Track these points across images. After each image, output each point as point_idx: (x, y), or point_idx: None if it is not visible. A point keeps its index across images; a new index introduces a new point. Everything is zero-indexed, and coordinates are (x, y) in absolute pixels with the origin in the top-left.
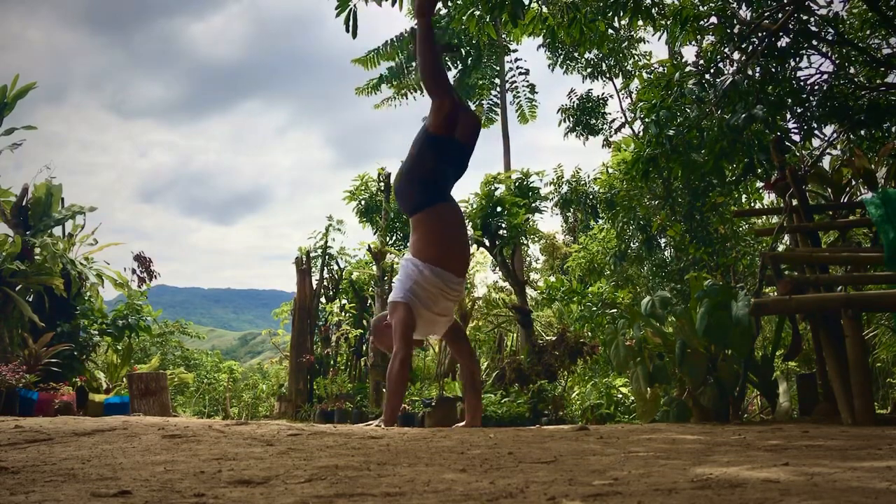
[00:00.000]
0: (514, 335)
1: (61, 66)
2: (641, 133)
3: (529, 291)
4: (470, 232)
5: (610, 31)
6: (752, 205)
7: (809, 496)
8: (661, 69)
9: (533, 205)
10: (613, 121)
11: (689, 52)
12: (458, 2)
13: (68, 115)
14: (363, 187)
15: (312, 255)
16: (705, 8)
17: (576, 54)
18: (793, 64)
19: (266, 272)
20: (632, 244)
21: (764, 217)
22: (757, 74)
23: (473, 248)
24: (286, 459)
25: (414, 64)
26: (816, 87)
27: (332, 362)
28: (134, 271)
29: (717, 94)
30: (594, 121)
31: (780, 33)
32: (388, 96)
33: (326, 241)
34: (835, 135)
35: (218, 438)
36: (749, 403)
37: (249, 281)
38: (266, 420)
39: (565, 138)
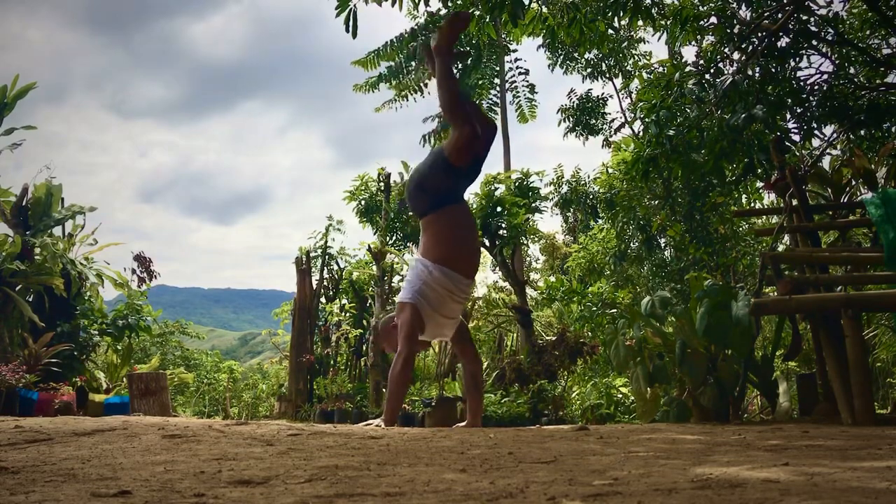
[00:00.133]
0: (514, 335)
1: (61, 66)
2: (641, 133)
3: (529, 291)
4: None
5: (610, 31)
6: (752, 205)
7: (809, 496)
8: (661, 69)
9: (533, 205)
10: (613, 121)
11: (689, 52)
12: (458, 2)
13: (68, 115)
14: (363, 187)
15: (312, 255)
16: (705, 8)
17: (576, 54)
18: (793, 64)
19: (266, 272)
20: (632, 244)
21: (764, 217)
22: (757, 74)
23: None
24: (286, 459)
25: (413, 63)
26: (816, 87)
27: (332, 362)
28: (134, 271)
29: (717, 94)
30: (594, 121)
31: (780, 33)
32: (389, 99)
33: (326, 241)
34: (835, 135)
35: (218, 438)
36: (749, 403)
37: (249, 281)
38: (266, 420)
39: (565, 138)
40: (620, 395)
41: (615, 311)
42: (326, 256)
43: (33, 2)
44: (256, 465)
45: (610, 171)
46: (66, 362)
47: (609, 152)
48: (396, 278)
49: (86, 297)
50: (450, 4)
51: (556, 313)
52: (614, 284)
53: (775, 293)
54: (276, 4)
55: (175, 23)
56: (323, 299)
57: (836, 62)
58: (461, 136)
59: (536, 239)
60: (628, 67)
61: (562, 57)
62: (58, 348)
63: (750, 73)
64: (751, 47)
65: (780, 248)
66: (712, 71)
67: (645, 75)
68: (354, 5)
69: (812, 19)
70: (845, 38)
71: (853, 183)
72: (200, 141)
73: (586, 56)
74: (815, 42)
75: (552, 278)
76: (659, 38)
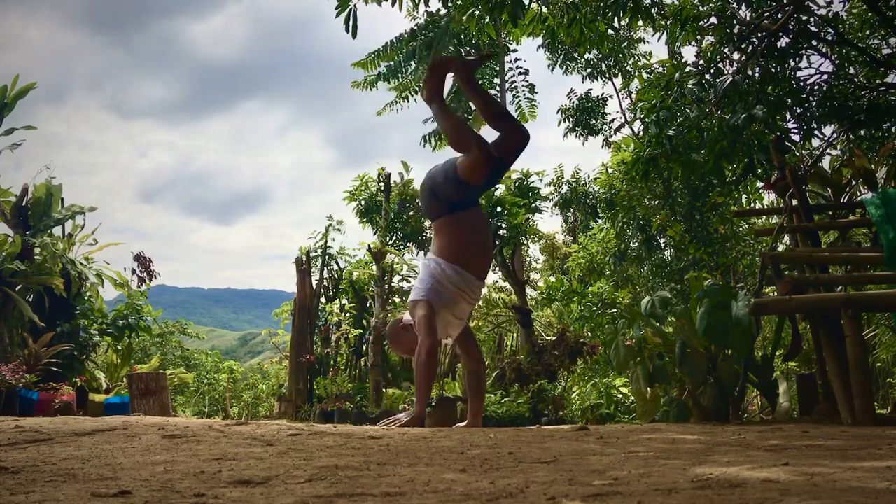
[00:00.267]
0: (514, 335)
1: (61, 67)
2: (641, 133)
3: (529, 291)
4: None
5: (610, 31)
6: (752, 205)
7: (809, 496)
8: (661, 69)
9: (533, 205)
10: (613, 121)
11: (689, 53)
12: (458, 2)
13: (68, 115)
14: (363, 187)
15: (312, 255)
16: (705, 8)
17: (575, 54)
18: (793, 64)
19: (266, 272)
20: (632, 244)
21: (764, 217)
22: (757, 74)
23: None
24: (286, 459)
25: (413, 62)
26: (816, 87)
27: (332, 362)
28: (134, 271)
29: (717, 94)
30: (594, 121)
31: (780, 33)
32: (390, 101)
33: (326, 242)
34: (835, 135)
35: (218, 438)
36: (749, 403)
37: (249, 281)
38: (266, 420)
39: (565, 138)
40: (620, 395)
41: (615, 311)
42: (326, 256)
43: (33, 2)
44: (256, 465)
45: (610, 171)
46: (66, 362)
47: (609, 152)
48: (396, 278)
49: (86, 297)
50: (450, 4)
51: (556, 313)
52: (614, 284)
53: (775, 293)
54: (276, 4)
55: (175, 23)
56: (323, 299)
57: (836, 62)
58: (474, 160)
59: (536, 239)
60: (628, 67)
61: (562, 57)
62: (58, 348)
63: (750, 73)
64: (751, 47)
65: (780, 248)
66: (712, 71)
67: (645, 75)
68: (354, 5)
69: (812, 19)
70: (845, 38)
71: (853, 183)
72: (200, 141)
73: (586, 56)
74: (815, 42)
75: (552, 278)
76: (659, 39)
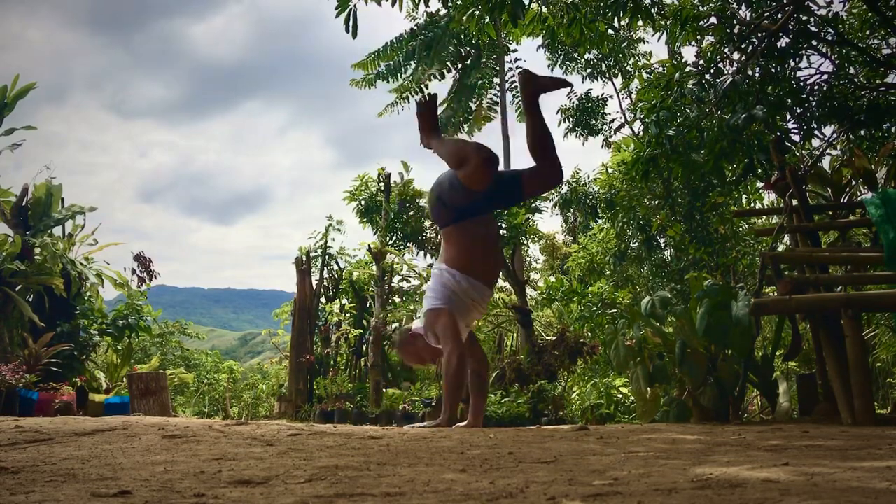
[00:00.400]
0: (514, 335)
1: (61, 67)
2: (641, 133)
3: (529, 291)
4: None
5: (610, 31)
6: (752, 205)
7: (809, 496)
8: (661, 69)
9: (533, 205)
10: (613, 121)
11: (689, 53)
12: (458, 2)
13: (68, 115)
14: (363, 187)
15: (312, 255)
16: (705, 8)
17: (575, 55)
18: (793, 64)
19: (266, 272)
20: (632, 244)
21: (764, 217)
22: (757, 74)
23: None
24: (286, 459)
25: (412, 62)
26: (816, 88)
27: (332, 362)
28: (134, 271)
29: (717, 95)
30: (594, 121)
31: (780, 33)
32: (390, 102)
33: (326, 242)
34: (835, 135)
35: (218, 438)
36: (749, 403)
37: (249, 281)
38: (266, 420)
39: (565, 138)
40: (620, 395)
41: (615, 311)
42: (326, 256)
43: (33, 2)
44: (256, 465)
45: (610, 171)
46: (66, 362)
47: (609, 152)
48: (396, 278)
49: (86, 297)
50: (449, 4)
51: (556, 313)
52: (614, 284)
53: (775, 293)
54: (276, 4)
55: (175, 23)
56: (323, 299)
57: (836, 62)
58: (474, 165)
59: (536, 239)
60: (628, 67)
61: (561, 57)
62: (58, 348)
63: (750, 73)
64: (751, 47)
65: (780, 248)
66: (712, 71)
67: (645, 75)
68: (354, 5)
69: (812, 19)
70: (845, 39)
71: (853, 183)
72: (200, 141)
73: (586, 56)
74: (815, 42)
75: (552, 278)
76: (659, 39)
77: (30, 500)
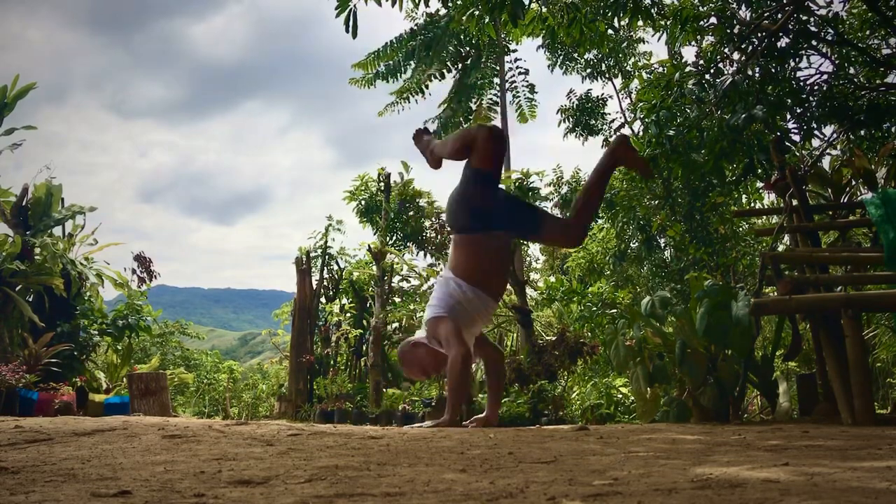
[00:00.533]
0: (514, 335)
1: (61, 66)
2: (641, 133)
3: (529, 291)
4: None
5: (610, 31)
6: (752, 205)
7: (809, 496)
8: (661, 69)
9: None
10: (613, 121)
11: (689, 53)
12: (458, 2)
13: (68, 115)
14: (363, 187)
15: (312, 255)
16: (705, 8)
17: (575, 55)
18: (792, 64)
19: (266, 272)
20: (632, 244)
21: (764, 217)
22: (757, 74)
23: None
24: (286, 459)
25: (412, 62)
26: (816, 88)
27: (332, 362)
28: (134, 271)
29: (717, 95)
30: (594, 121)
31: (780, 33)
32: (391, 102)
33: (326, 241)
34: (835, 135)
35: (218, 438)
36: (749, 403)
37: (249, 281)
38: (266, 420)
39: (565, 138)
40: (620, 395)
41: (615, 311)
42: (326, 256)
43: (33, 2)
44: (256, 465)
45: None
46: (66, 362)
47: None
48: (396, 278)
49: (86, 297)
50: (449, 5)
51: (556, 313)
52: (614, 284)
53: (775, 293)
54: (276, 4)
55: (175, 23)
56: (323, 299)
57: (836, 62)
58: (481, 141)
59: None
60: (628, 67)
61: (561, 57)
62: (58, 348)
63: (750, 73)
64: (751, 47)
65: (780, 248)
66: (712, 71)
67: (645, 75)
68: (354, 5)
69: (812, 19)
70: (845, 39)
71: (853, 183)
72: (200, 141)
73: (586, 56)
74: (814, 42)
75: (552, 278)
76: (659, 39)
77: (30, 500)
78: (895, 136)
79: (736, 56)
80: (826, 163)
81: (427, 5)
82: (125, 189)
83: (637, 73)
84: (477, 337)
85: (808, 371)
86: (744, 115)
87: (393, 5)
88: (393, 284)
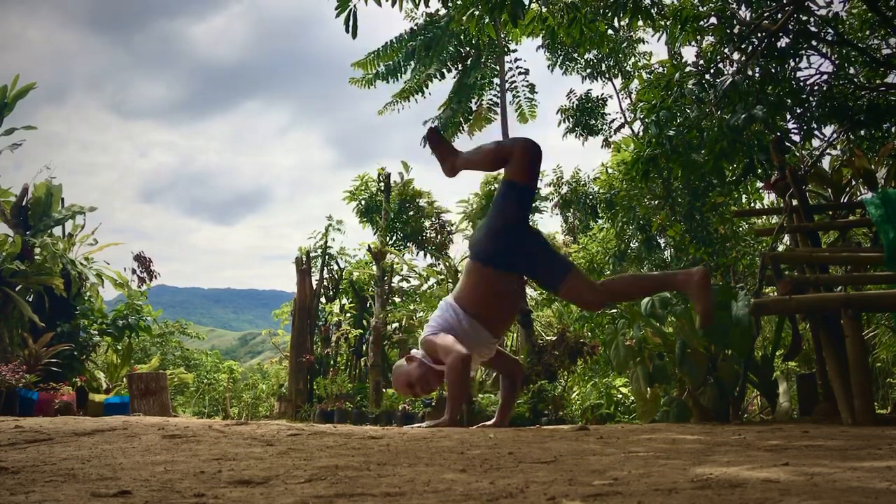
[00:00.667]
0: (514, 335)
1: (61, 66)
2: (641, 133)
3: (529, 291)
4: (470, 232)
5: (610, 31)
6: (752, 205)
7: (809, 496)
8: (661, 69)
9: (533, 205)
10: (613, 121)
11: (689, 53)
12: (458, 2)
13: (68, 115)
14: (363, 187)
15: (312, 255)
16: (705, 8)
17: (575, 55)
18: (792, 64)
19: (266, 272)
20: (632, 244)
21: (764, 217)
22: (757, 75)
23: None
24: (286, 459)
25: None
26: (816, 88)
27: (332, 362)
28: (134, 271)
29: (717, 95)
30: (593, 121)
31: (780, 34)
32: (390, 101)
33: (326, 241)
34: (835, 135)
35: (218, 438)
36: (749, 403)
37: (249, 281)
38: (266, 420)
39: (564, 138)
40: (620, 395)
41: (615, 311)
42: (326, 256)
43: (33, 2)
44: (256, 465)
45: (610, 171)
46: (66, 362)
47: (609, 152)
48: (396, 278)
49: (86, 297)
50: (449, 5)
51: (556, 313)
52: None
53: (775, 293)
54: (276, 4)
55: (176, 23)
56: (323, 299)
57: (836, 62)
58: (519, 152)
59: None
60: (628, 68)
61: (561, 57)
62: (58, 348)
63: (750, 73)
64: (751, 47)
65: (780, 248)
66: (712, 71)
67: (645, 75)
68: (354, 5)
69: (812, 19)
70: (845, 39)
71: (853, 183)
72: (201, 141)
73: (586, 56)
74: (814, 42)
75: None
76: (659, 39)
77: (30, 500)
78: (895, 136)
79: (736, 56)
80: (826, 163)
81: (427, 5)
82: (125, 189)
83: (637, 74)
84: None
85: (808, 371)
86: (744, 115)
87: (393, 5)
88: (393, 284)
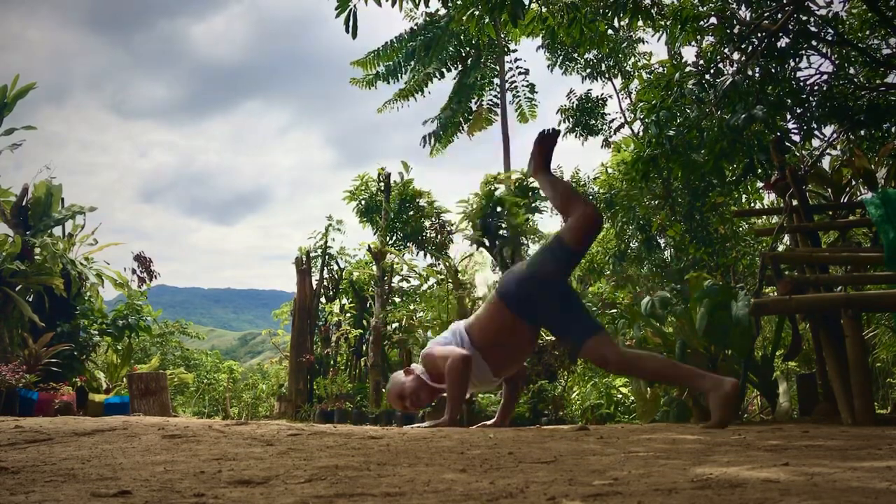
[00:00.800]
0: None
1: (61, 67)
2: (641, 133)
3: None
4: (470, 232)
5: (610, 31)
6: (752, 205)
7: (809, 496)
8: (661, 69)
9: (533, 205)
10: (613, 121)
11: (689, 53)
12: (458, 2)
13: (68, 115)
14: (363, 187)
15: (312, 255)
16: (705, 8)
17: (575, 55)
18: (792, 64)
19: (266, 272)
20: (631, 244)
21: (764, 217)
22: (757, 75)
23: (473, 248)
24: (286, 459)
25: (412, 62)
26: (816, 88)
27: (332, 362)
28: (134, 271)
29: (717, 95)
30: (593, 121)
31: (780, 34)
32: (390, 99)
33: (326, 241)
34: (835, 135)
35: (218, 438)
36: (749, 403)
37: (249, 281)
38: (266, 420)
39: (564, 138)
40: (620, 395)
41: (615, 311)
42: (326, 256)
43: (33, 2)
44: (256, 465)
45: (609, 171)
46: (66, 362)
47: (609, 152)
48: (396, 278)
49: (86, 297)
50: (449, 5)
51: None
52: (614, 284)
53: (775, 293)
54: (276, 5)
55: (176, 23)
56: (323, 299)
57: (836, 62)
58: (583, 215)
59: (537, 239)
60: (628, 68)
61: (561, 57)
62: (58, 348)
63: (750, 73)
64: (751, 47)
65: (780, 248)
66: (712, 71)
67: (645, 75)
68: (354, 5)
69: (812, 19)
70: (845, 39)
71: (853, 183)
72: (201, 141)
73: (586, 56)
74: (814, 42)
75: None
76: (659, 39)
77: (30, 500)
78: (895, 136)
79: (736, 56)
80: (826, 163)
81: (427, 5)
82: (125, 189)
83: (637, 74)
84: None
85: (808, 371)
86: (744, 115)
87: (393, 5)
88: (393, 284)
